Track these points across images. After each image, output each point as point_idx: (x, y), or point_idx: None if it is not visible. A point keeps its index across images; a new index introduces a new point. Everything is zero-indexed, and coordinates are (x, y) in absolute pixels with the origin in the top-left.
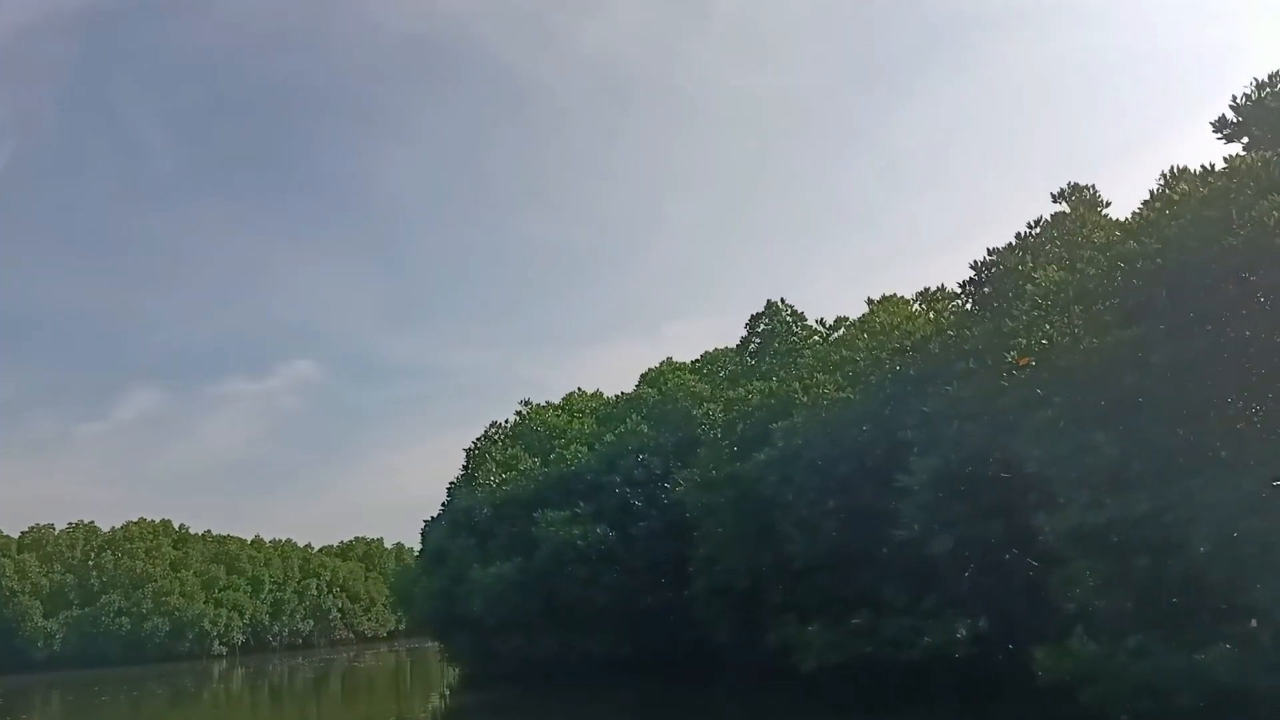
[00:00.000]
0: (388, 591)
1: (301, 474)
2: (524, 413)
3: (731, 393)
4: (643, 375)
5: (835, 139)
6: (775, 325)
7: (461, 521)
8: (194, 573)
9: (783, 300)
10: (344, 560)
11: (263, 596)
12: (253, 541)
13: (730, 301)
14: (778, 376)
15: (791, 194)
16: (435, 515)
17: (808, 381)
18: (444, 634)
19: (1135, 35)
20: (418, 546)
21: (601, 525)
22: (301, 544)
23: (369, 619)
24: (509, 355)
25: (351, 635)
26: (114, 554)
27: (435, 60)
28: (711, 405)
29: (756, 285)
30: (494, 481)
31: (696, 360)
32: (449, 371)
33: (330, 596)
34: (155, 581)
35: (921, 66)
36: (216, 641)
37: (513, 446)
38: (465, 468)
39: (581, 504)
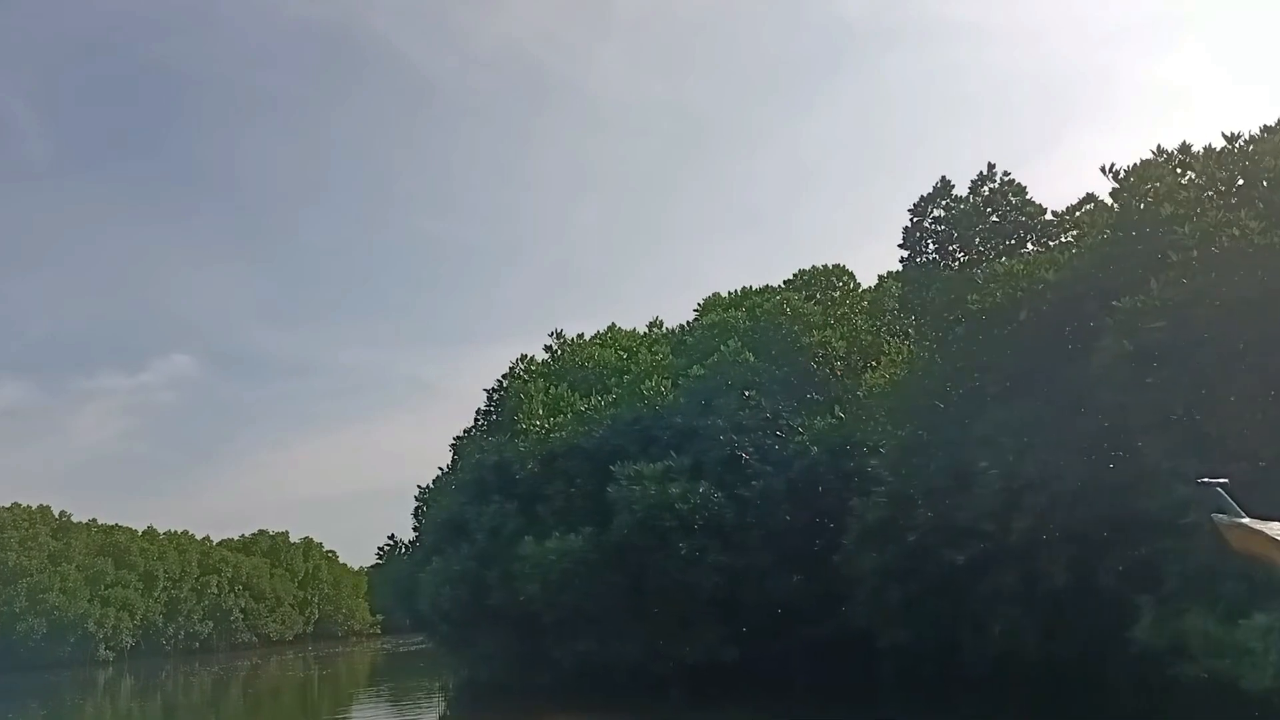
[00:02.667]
0: (295, 589)
1: (178, 472)
2: (556, 347)
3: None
4: (704, 304)
5: (736, 146)
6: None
7: (490, 481)
8: (76, 566)
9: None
10: (247, 555)
11: (156, 594)
12: (144, 533)
13: (631, 304)
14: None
15: (698, 199)
16: (435, 480)
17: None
18: (462, 634)
19: (1025, 53)
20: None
21: (704, 484)
22: (199, 536)
23: (274, 620)
24: (403, 354)
25: (255, 639)
26: None
27: (332, 49)
28: (830, 332)
29: (657, 287)
30: (541, 427)
31: (790, 280)
32: (338, 369)
33: (232, 595)
34: (30, 576)
35: (819, 77)
36: (102, 645)
37: (555, 386)
38: (483, 416)
39: (673, 455)
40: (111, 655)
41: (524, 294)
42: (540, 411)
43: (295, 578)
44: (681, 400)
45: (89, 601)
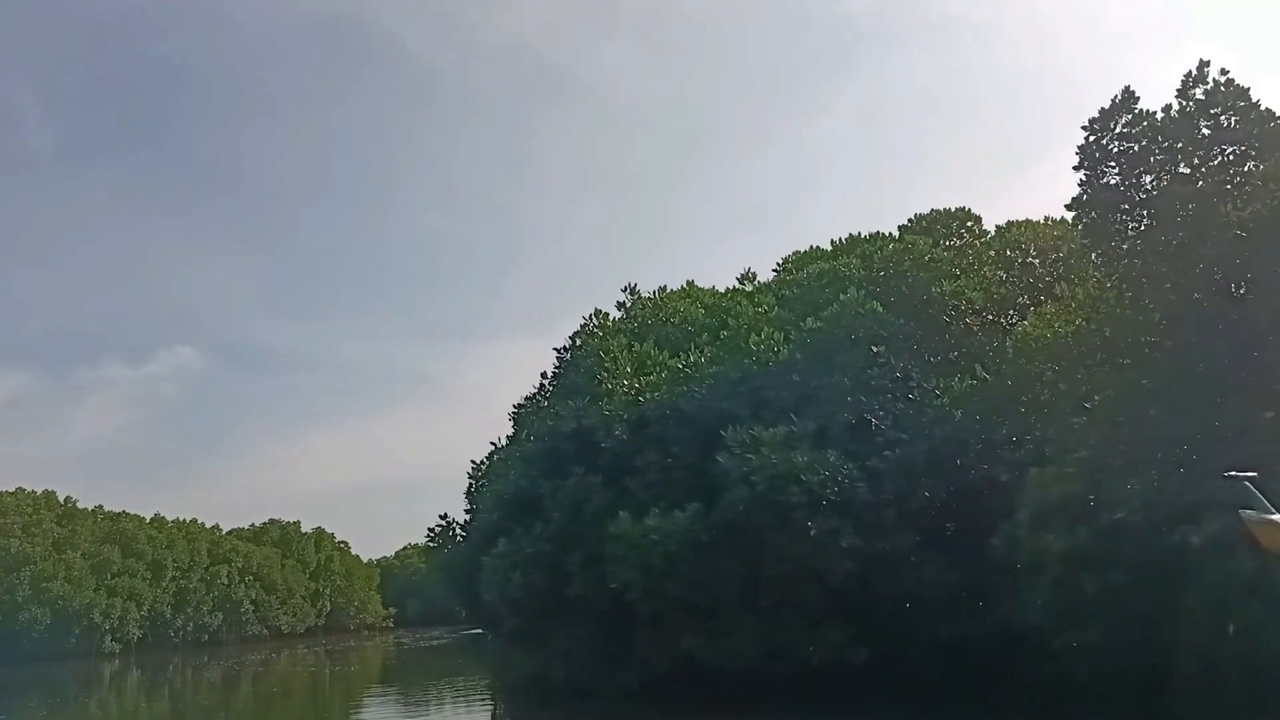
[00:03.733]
0: (307, 580)
1: (180, 463)
2: (630, 303)
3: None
4: (796, 256)
5: (739, 144)
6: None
7: (568, 451)
8: (82, 554)
9: None
10: (257, 545)
11: (164, 584)
12: (152, 520)
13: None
14: None
15: (700, 196)
16: (491, 455)
17: None
18: (532, 627)
19: (1032, 54)
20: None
21: (831, 453)
22: (208, 525)
23: (286, 613)
24: (405, 349)
25: (265, 631)
26: None
27: (337, 44)
28: (963, 281)
29: (655, 285)
30: (630, 388)
31: (905, 225)
32: (340, 363)
33: (243, 586)
34: (34, 564)
35: (824, 76)
36: (109, 637)
37: (639, 344)
38: (551, 380)
39: (794, 419)
40: (118, 647)
41: (526, 290)
42: (626, 370)
43: (307, 569)
44: (798, 356)
45: (95, 591)
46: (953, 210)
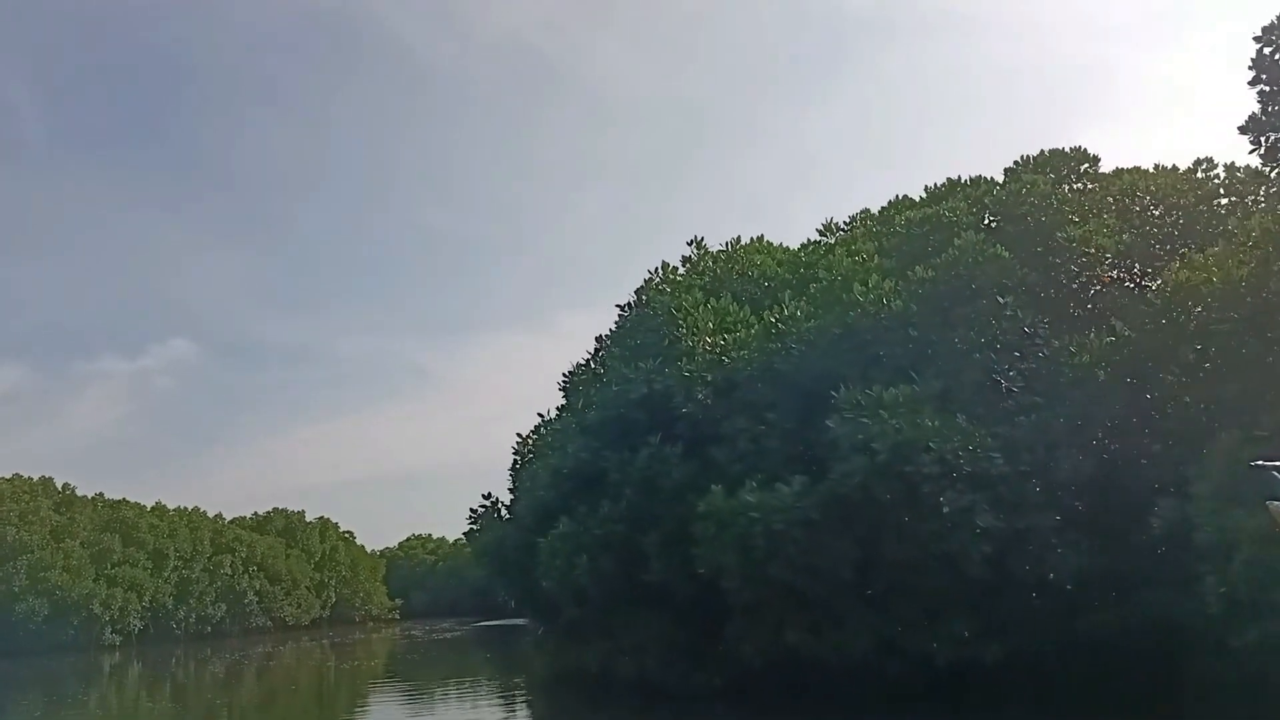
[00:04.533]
0: (312, 571)
1: (177, 456)
2: (697, 258)
3: None
4: (891, 204)
5: (736, 140)
6: None
7: (638, 420)
8: (81, 543)
9: None
10: (261, 535)
11: (166, 574)
12: (153, 508)
13: (624, 299)
14: None
15: (697, 192)
16: (540, 428)
17: None
18: (598, 618)
19: (1027, 49)
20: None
21: (961, 418)
22: (211, 513)
23: (290, 604)
24: (401, 342)
25: (269, 623)
26: None
27: (333, 36)
28: (1094, 225)
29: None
30: (713, 347)
31: (1013, 167)
32: (336, 356)
33: (246, 576)
34: (31, 553)
35: (821, 70)
36: (109, 629)
37: (715, 299)
38: (605, 343)
39: (914, 378)
40: (118, 639)
41: (523, 284)
42: (708, 326)
43: (311, 559)
44: (913, 307)
45: (94, 581)
46: (1067, 150)
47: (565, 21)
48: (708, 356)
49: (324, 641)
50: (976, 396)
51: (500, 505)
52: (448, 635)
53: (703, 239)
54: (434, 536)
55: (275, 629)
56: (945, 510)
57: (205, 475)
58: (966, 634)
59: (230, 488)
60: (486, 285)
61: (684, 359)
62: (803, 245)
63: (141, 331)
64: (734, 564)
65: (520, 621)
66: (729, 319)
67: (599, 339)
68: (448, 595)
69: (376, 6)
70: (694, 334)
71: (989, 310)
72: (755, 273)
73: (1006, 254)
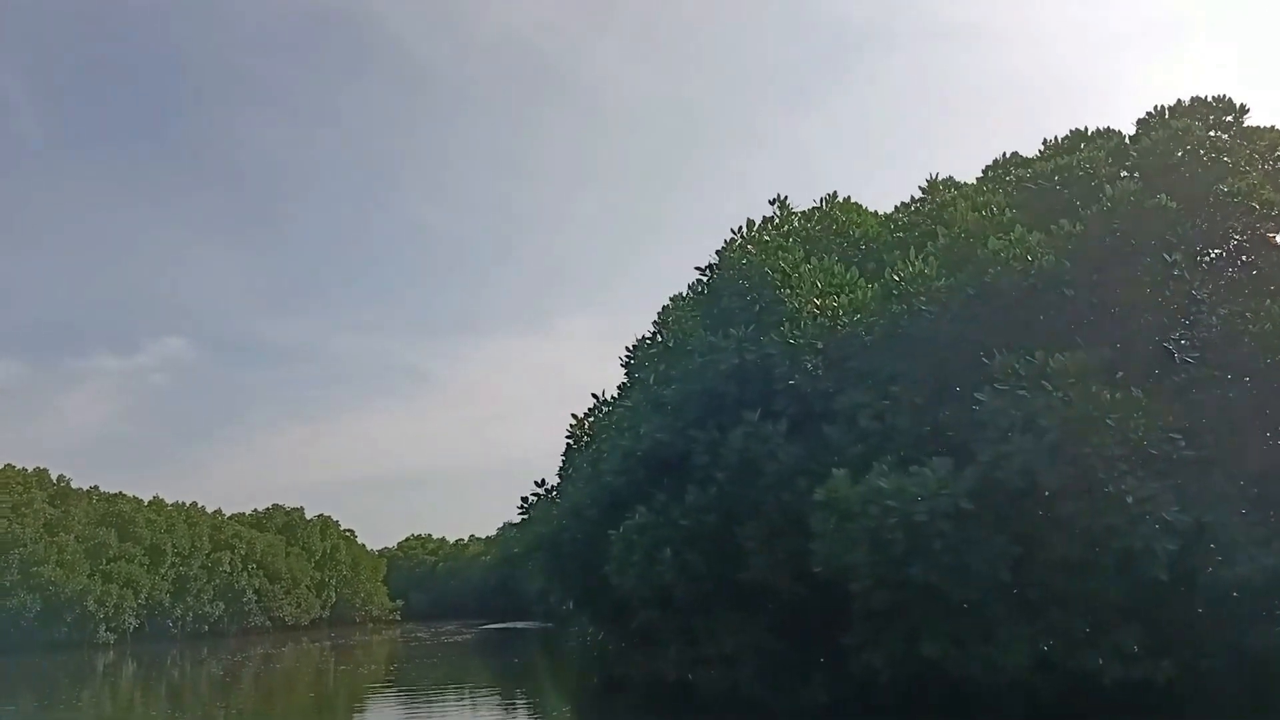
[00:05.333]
0: (312, 570)
1: (169, 453)
2: (780, 219)
3: None
4: (1000, 161)
5: (735, 144)
6: None
7: (728, 393)
8: (76, 537)
9: None
10: (260, 531)
11: (163, 571)
12: (151, 502)
13: (623, 302)
14: None
15: (695, 195)
16: (597, 410)
17: None
18: (677, 621)
19: (1027, 57)
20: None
21: (1136, 392)
22: (211, 509)
23: (290, 603)
24: (395, 342)
25: (268, 622)
26: None
27: (330, 36)
28: (1253, 178)
29: (653, 287)
30: (823, 311)
31: (1145, 119)
32: (332, 355)
33: (245, 574)
34: (24, 546)
35: (819, 77)
36: (103, 626)
37: (818, 258)
38: (672, 315)
39: (1079, 343)
40: (113, 637)
41: (521, 285)
42: (819, 287)
43: (312, 558)
44: (1065, 264)
45: (89, 576)
46: (1210, 100)
47: (565, 23)
48: (817, 321)
49: (325, 643)
50: (1146, 368)
51: (551, 493)
52: (456, 639)
53: (786, 198)
54: (434, 537)
55: (274, 629)
56: (1129, 500)
57: (201, 473)
58: (1136, 648)
59: (226, 486)
60: (484, 286)
61: (787, 324)
62: (901, 206)
63: (136, 328)
64: (863, 562)
65: (529, 625)
66: (836, 280)
67: (664, 308)
68: (448, 597)
69: (376, 6)
70: (799, 296)
71: (1153, 270)
72: (856, 232)
73: (1173, 204)
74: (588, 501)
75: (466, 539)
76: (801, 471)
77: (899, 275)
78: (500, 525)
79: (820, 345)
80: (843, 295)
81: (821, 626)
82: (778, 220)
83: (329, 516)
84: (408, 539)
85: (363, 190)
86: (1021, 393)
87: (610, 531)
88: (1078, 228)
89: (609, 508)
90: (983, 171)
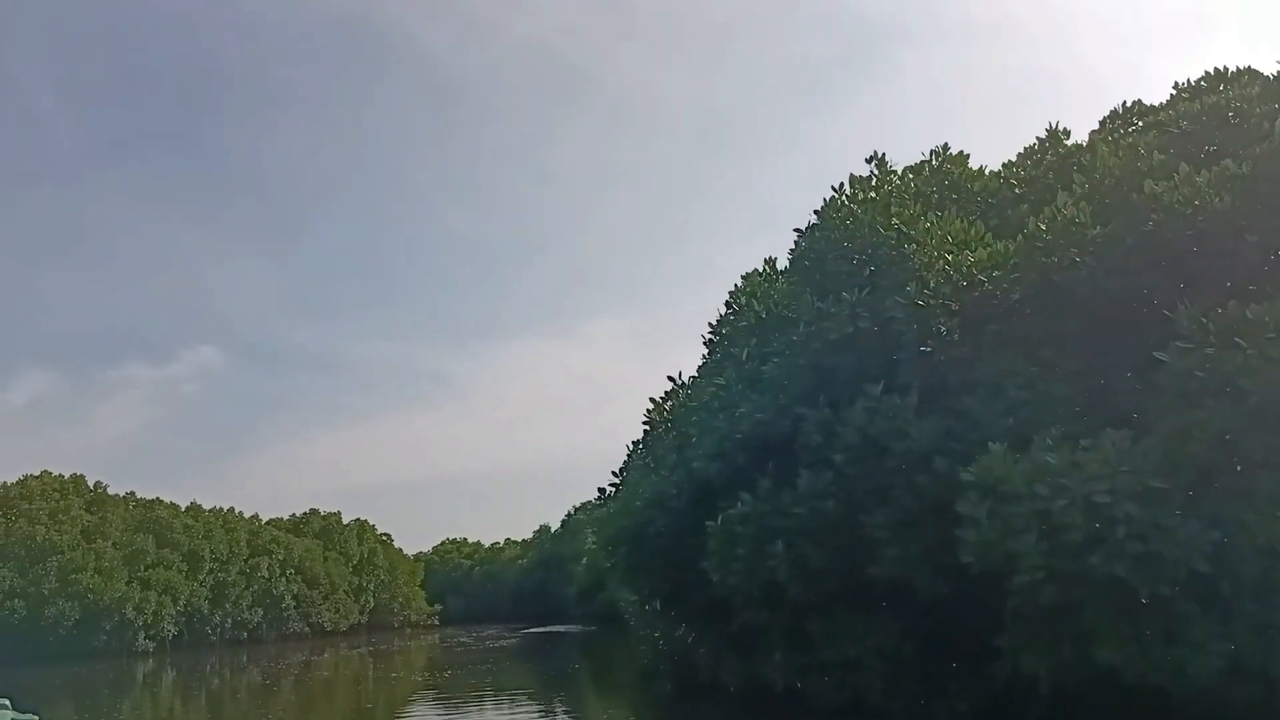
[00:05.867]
0: (350, 575)
1: (203, 461)
2: (879, 177)
3: None
4: (1113, 114)
5: (757, 145)
6: None
7: (843, 366)
8: (114, 544)
9: None
10: (298, 536)
11: (201, 577)
12: (188, 508)
13: (650, 305)
14: None
15: (720, 198)
16: (674, 392)
17: None
18: (790, 624)
19: (1049, 53)
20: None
21: None
22: (248, 514)
23: (328, 608)
24: (423, 348)
25: (306, 628)
26: (5, 516)
27: (357, 44)
28: None
29: (679, 290)
30: (956, 268)
31: None
32: (360, 362)
33: (284, 580)
34: (62, 554)
35: (836, 77)
36: (142, 634)
37: (936, 214)
38: (757, 284)
39: (1258, 292)
40: (151, 645)
41: (547, 290)
42: (949, 241)
43: (349, 562)
44: (1238, 205)
45: (127, 584)
46: None
47: (589, 28)
48: (950, 279)
49: (366, 649)
50: None
51: (618, 489)
52: (501, 643)
53: (884, 155)
54: (469, 540)
55: (312, 635)
56: None
57: (235, 479)
58: None
59: (260, 493)
60: (510, 291)
61: (913, 284)
62: (1016, 159)
63: (169, 338)
64: (1030, 551)
65: (570, 628)
66: (963, 236)
67: (737, 287)
68: (484, 600)
69: (402, 14)
70: (925, 252)
71: None
72: (975, 185)
73: None
74: (673, 491)
75: (502, 542)
76: (939, 450)
77: (1043, 224)
78: (537, 528)
79: (955, 306)
80: (978, 250)
81: (962, 627)
82: (876, 179)
83: (366, 520)
84: (443, 543)
85: (389, 197)
86: (1210, 350)
87: (708, 523)
88: (1242, 168)
89: (700, 497)
90: (1099, 124)
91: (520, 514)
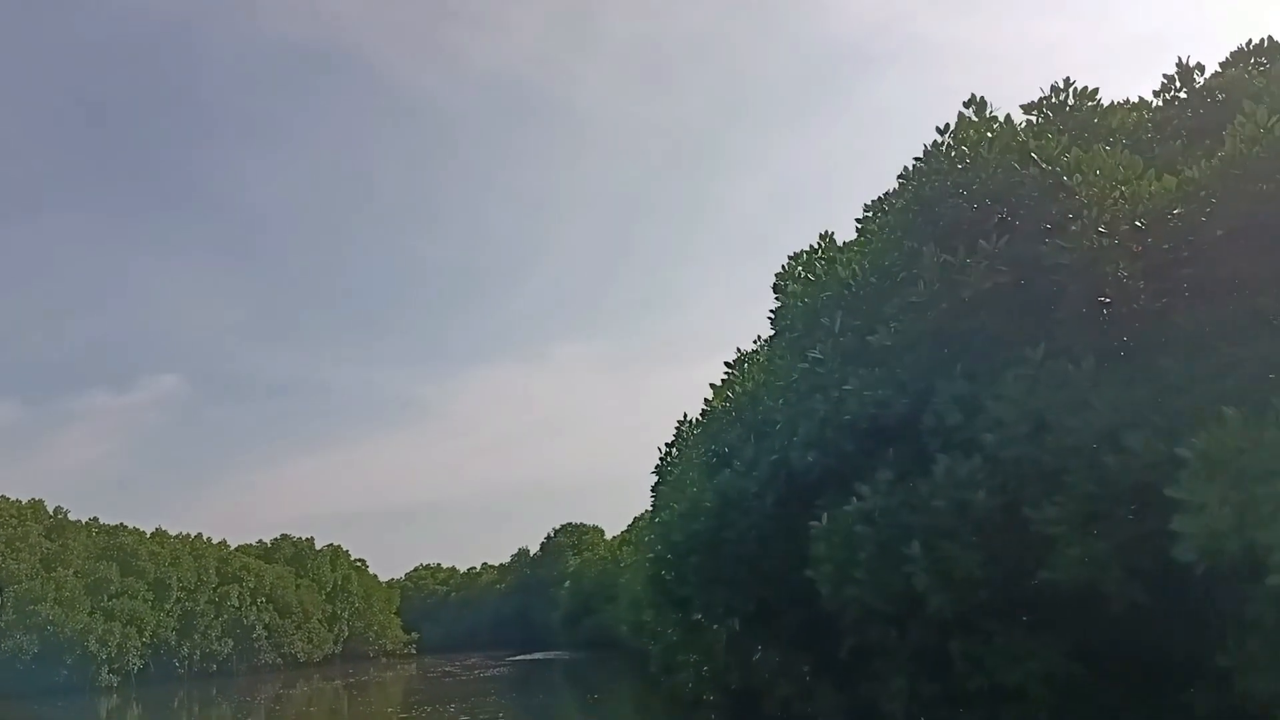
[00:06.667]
0: (324, 603)
1: (167, 491)
2: (978, 118)
3: None
4: (1240, 50)
5: (722, 167)
6: None
7: (980, 329)
8: (75, 572)
9: None
10: (269, 563)
11: (169, 607)
12: (154, 534)
13: (615, 325)
14: None
15: (679, 219)
16: (730, 383)
17: None
18: (927, 641)
19: (1017, 77)
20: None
21: None
22: (216, 540)
23: (302, 638)
24: (391, 373)
25: (279, 660)
26: None
27: (317, 68)
28: None
29: (642, 309)
30: (1133, 201)
31: None
32: (324, 388)
33: (255, 609)
34: (19, 583)
35: (804, 99)
36: (105, 668)
37: (1081, 148)
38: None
39: None
40: (116, 680)
41: (515, 314)
42: (1120, 174)
43: (323, 589)
44: None
45: (89, 614)
46: None
47: (555, 53)
48: (1128, 216)
49: (342, 680)
50: None
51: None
52: (491, 672)
53: (983, 97)
54: (444, 566)
55: (285, 666)
56: None
57: (202, 508)
58: None
59: (228, 521)
60: (480, 316)
61: (1078, 222)
62: (1157, 92)
63: (131, 366)
64: None
65: (557, 655)
66: (1133, 167)
67: (792, 256)
68: (463, 627)
69: (366, 41)
70: (1091, 187)
71: None
72: (1112, 120)
73: None
74: (753, 489)
75: (479, 567)
76: (1131, 423)
77: (1245, 144)
78: (515, 551)
79: (1136, 249)
80: (1160, 180)
81: (1157, 644)
82: (976, 122)
83: (339, 546)
84: (417, 569)
85: (353, 224)
86: None
87: (812, 524)
88: None
89: (791, 494)
90: (1227, 58)
91: (495, 539)
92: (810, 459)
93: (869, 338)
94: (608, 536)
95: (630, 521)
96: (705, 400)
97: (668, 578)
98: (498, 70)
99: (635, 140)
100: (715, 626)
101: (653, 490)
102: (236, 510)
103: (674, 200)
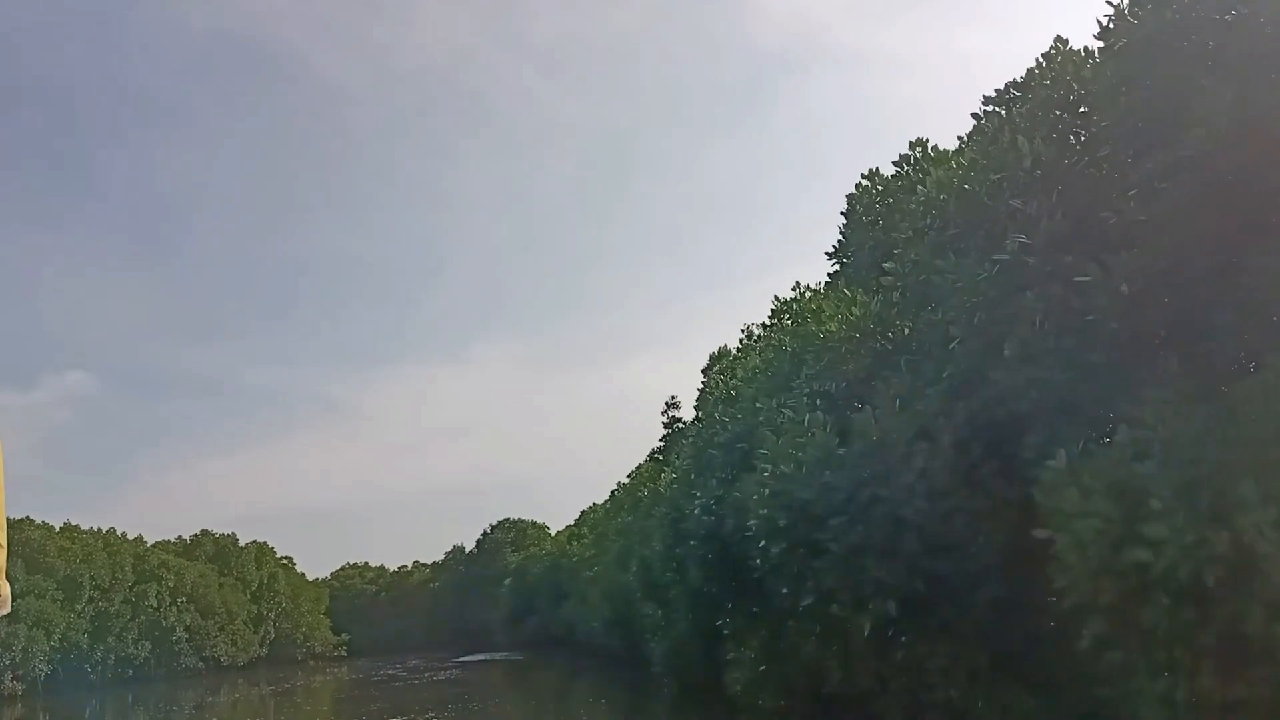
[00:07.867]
0: (249, 603)
1: (79, 493)
2: (1059, 55)
3: None
4: None
5: (643, 168)
6: None
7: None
8: None
9: None
10: (189, 560)
11: (80, 608)
12: (63, 529)
13: (547, 328)
14: None
15: (598, 219)
16: (752, 343)
17: None
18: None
19: (945, 84)
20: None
21: None
22: (131, 536)
23: (225, 640)
24: (312, 372)
25: (200, 663)
26: None
27: (239, 61)
28: None
29: (564, 309)
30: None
31: None
32: (247, 387)
33: (175, 609)
34: None
35: (727, 104)
36: (9, 675)
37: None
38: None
39: None
40: (20, 688)
41: (439, 315)
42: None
43: (247, 588)
44: None
45: None
46: None
47: (485, 51)
48: None
49: (270, 686)
50: None
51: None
52: (441, 675)
53: (1067, 41)
54: (372, 564)
55: (208, 670)
56: None
57: (115, 509)
58: None
59: (142, 523)
60: (401, 315)
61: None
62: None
63: (34, 363)
64: None
65: (504, 655)
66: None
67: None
68: (393, 628)
69: (292, 34)
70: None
71: None
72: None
73: None
74: (911, 429)
75: (410, 565)
76: None
77: None
78: (449, 549)
79: None
80: None
81: None
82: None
83: (264, 543)
84: (344, 568)
85: (274, 218)
86: None
87: (1048, 464)
88: None
89: (985, 429)
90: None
91: (423, 538)
92: (1024, 377)
93: (954, 281)
94: (553, 532)
95: (578, 515)
96: (762, 324)
97: (800, 548)
98: (428, 68)
99: (558, 139)
100: (847, 615)
101: (653, 456)
102: (152, 510)
103: (593, 200)
